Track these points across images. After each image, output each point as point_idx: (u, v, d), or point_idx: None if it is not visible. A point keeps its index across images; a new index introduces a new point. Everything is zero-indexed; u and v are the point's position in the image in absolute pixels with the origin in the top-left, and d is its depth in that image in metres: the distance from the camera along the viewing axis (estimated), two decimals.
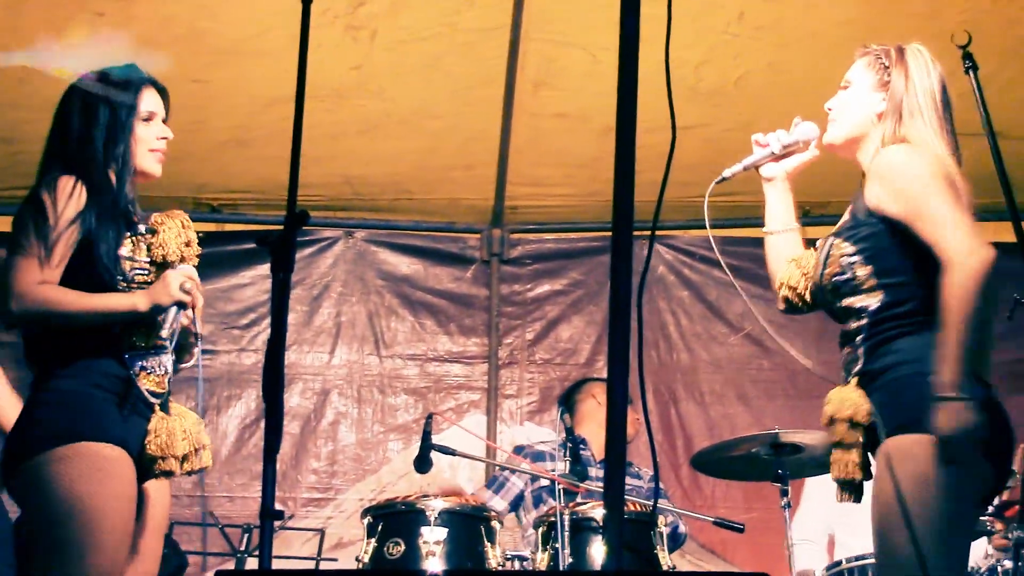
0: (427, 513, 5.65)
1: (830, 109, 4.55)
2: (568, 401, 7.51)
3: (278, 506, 3.78)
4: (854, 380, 4.29)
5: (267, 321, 7.38)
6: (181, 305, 4.49)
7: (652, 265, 8.45)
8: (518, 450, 7.43)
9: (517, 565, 6.09)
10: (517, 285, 8.76)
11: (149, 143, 4.68)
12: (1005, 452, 4.24)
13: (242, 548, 6.98)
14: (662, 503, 6.95)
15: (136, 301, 4.41)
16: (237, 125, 7.41)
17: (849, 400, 4.24)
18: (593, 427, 7.32)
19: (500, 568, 5.86)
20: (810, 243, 4.61)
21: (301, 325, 8.36)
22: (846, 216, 4.45)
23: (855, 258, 4.29)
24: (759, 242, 4.78)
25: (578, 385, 7.69)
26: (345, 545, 7.66)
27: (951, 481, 4.07)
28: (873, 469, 4.23)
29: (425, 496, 5.79)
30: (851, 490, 4.35)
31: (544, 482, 6.90)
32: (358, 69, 7.01)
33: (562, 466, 6.32)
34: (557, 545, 5.73)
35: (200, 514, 7.59)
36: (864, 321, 4.27)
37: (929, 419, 4.00)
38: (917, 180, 4.21)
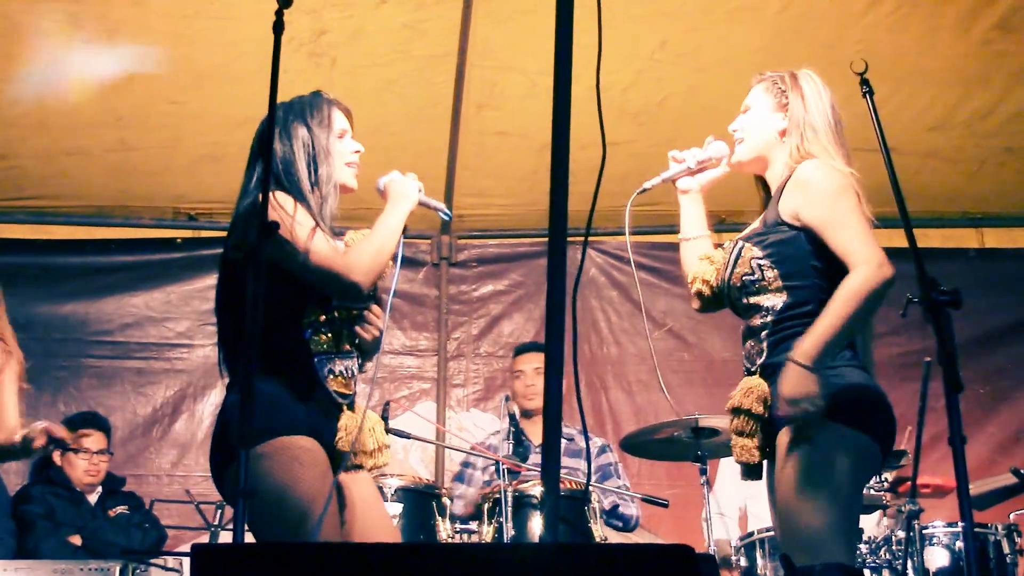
0: (384, 490, 5.67)
1: (735, 131, 4.60)
2: None
3: (251, 486, 3.78)
4: (758, 372, 4.33)
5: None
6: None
7: (585, 268, 8.47)
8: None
9: (465, 537, 6.09)
10: (463, 286, 8.76)
11: (346, 158, 4.61)
12: (885, 423, 4.28)
13: (215, 523, 6.96)
14: (612, 482, 7.01)
15: (399, 209, 4.51)
16: (212, 142, 7.39)
17: (752, 390, 4.29)
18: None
19: (449, 539, 5.88)
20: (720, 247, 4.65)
21: None
22: (756, 224, 4.49)
23: (764, 261, 4.33)
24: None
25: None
26: None
27: (849, 461, 4.13)
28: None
29: (382, 475, 5.79)
30: (752, 472, 4.39)
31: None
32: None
33: (506, 448, 6.35)
34: (501, 519, 5.74)
35: (180, 492, 7.55)
36: (769, 318, 4.32)
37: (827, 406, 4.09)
38: (833, 194, 4.27)
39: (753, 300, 4.37)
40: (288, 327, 4.37)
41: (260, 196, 4.06)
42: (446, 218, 4.79)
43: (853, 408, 4.16)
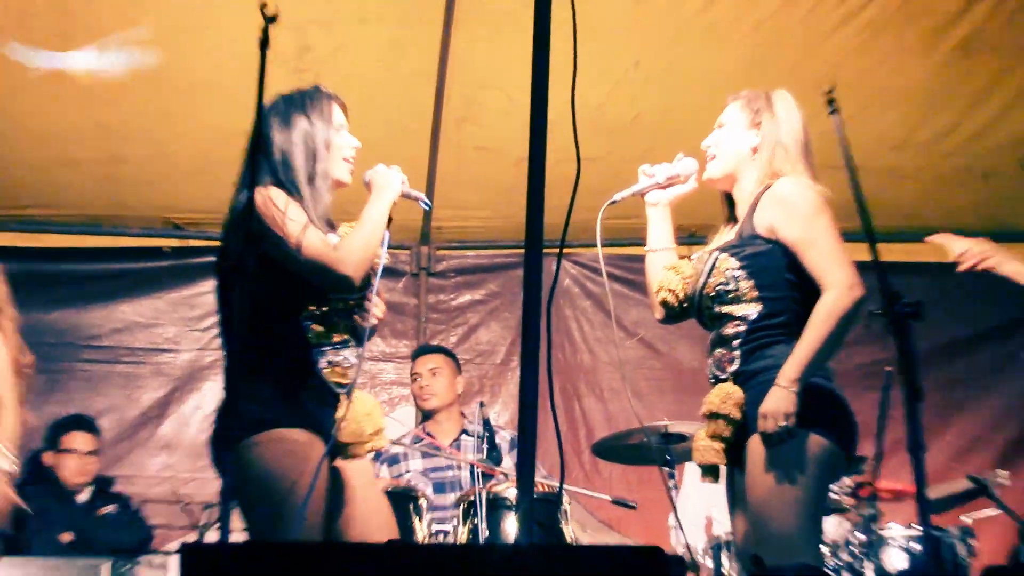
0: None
1: (708, 147, 4.62)
2: None
3: None
4: (730, 379, 4.34)
5: None
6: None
7: (559, 278, 8.48)
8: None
9: (441, 538, 6.09)
10: (442, 295, 8.76)
11: (343, 152, 4.61)
12: (846, 427, 4.32)
13: (202, 522, 6.97)
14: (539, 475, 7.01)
15: (383, 199, 4.54)
16: (199, 155, 7.37)
17: (729, 396, 4.31)
18: None
19: (425, 539, 5.87)
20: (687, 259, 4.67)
21: None
22: (731, 236, 4.51)
23: (739, 272, 4.36)
24: None
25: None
26: None
27: (815, 467, 4.15)
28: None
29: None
30: (711, 473, 4.42)
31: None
32: None
33: (481, 452, 6.35)
34: (476, 520, 5.74)
35: (168, 492, 7.55)
36: (743, 327, 4.35)
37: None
38: (810, 213, 4.33)
39: (726, 309, 4.40)
40: (286, 320, 4.37)
41: (247, 201, 4.05)
42: (426, 207, 4.79)
43: (819, 414, 4.19)
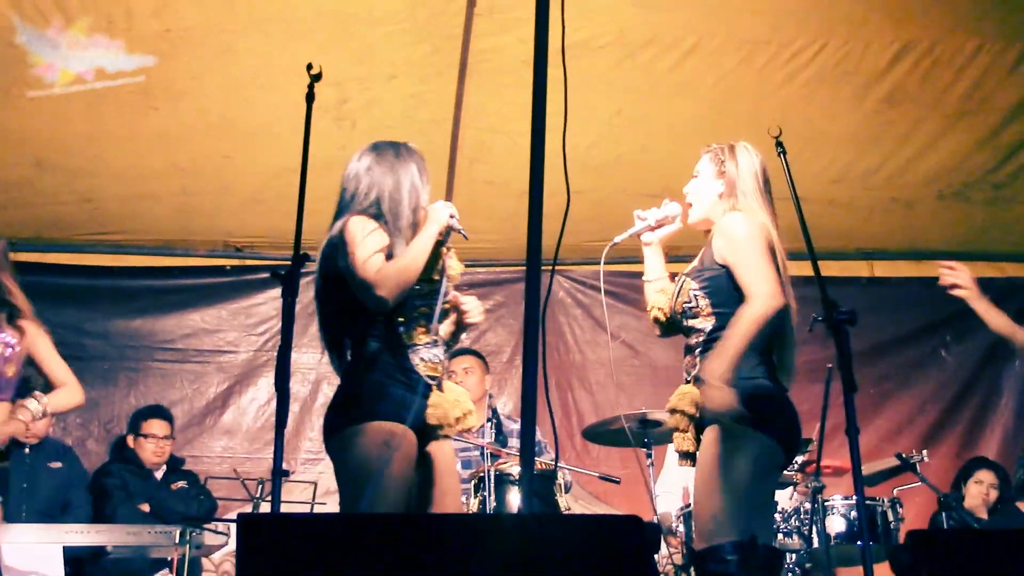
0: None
1: (687, 194, 4.67)
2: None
3: (284, 466, 3.77)
4: (692, 381, 4.38)
5: (277, 329, 7.32)
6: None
7: (554, 291, 8.47)
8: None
9: None
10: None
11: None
12: (787, 426, 4.31)
13: (257, 495, 6.97)
14: (548, 456, 6.98)
15: (430, 230, 4.42)
16: (255, 189, 7.37)
17: (685, 395, 4.36)
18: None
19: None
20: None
21: (300, 333, 8.22)
22: (696, 262, 4.53)
23: (699, 292, 4.41)
24: (635, 275, 4.89)
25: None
26: (332, 493, 7.56)
27: (745, 454, 4.17)
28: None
29: None
30: (688, 457, 4.42)
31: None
32: (343, 149, 6.89)
33: (489, 436, 6.34)
34: (485, 494, 5.73)
35: (229, 470, 7.54)
36: (702, 338, 4.39)
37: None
38: (742, 239, 4.33)
39: (691, 323, 4.44)
40: (384, 325, 4.36)
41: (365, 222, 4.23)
42: (465, 237, 4.69)
43: (759, 413, 4.18)
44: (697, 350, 4.39)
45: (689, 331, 4.46)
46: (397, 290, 4.24)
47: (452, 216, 4.52)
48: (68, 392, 5.58)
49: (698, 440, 4.34)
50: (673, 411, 4.37)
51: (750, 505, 4.20)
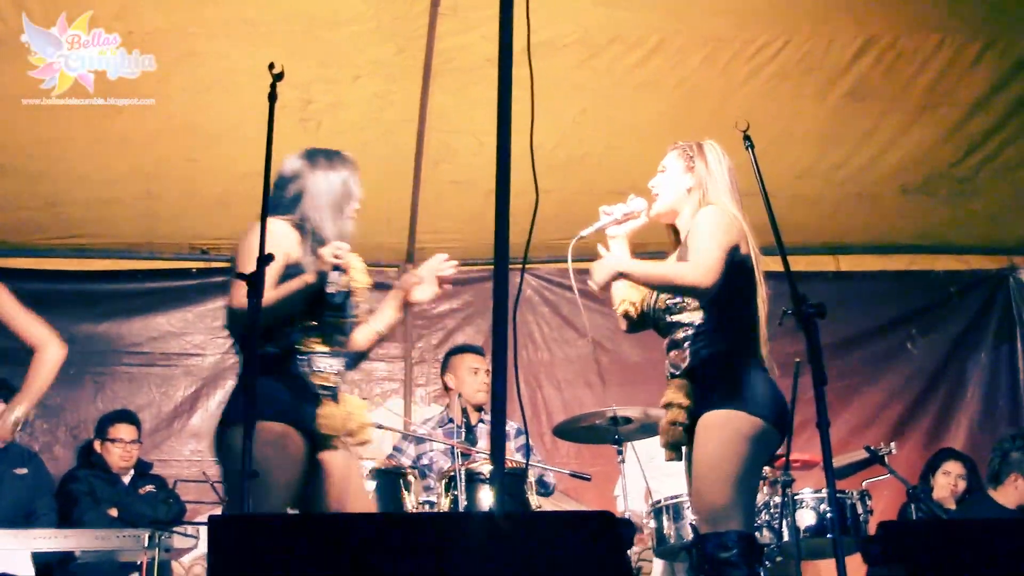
0: (363, 471, 5.63)
1: (653, 187, 4.71)
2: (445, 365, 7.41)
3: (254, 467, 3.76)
4: (683, 374, 4.43)
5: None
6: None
7: (522, 289, 8.48)
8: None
9: (427, 508, 6.07)
10: (425, 305, 8.70)
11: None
12: (783, 417, 4.41)
13: (226, 498, 6.93)
14: (534, 459, 6.98)
15: (306, 278, 4.31)
16: (221, 192, 7.34)
17: (680, 388, 4.41)
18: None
19: (415, 510, 5.86)
20: None
21: None
22: (675, 258, 4.55)
23: None
24: None
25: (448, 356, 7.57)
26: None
27: (748, 440, 4.21)
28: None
29: (360, 459, 5.77)
30: (675, 450, 4.45)
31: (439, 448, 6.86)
32: None
33: (461, 433, 6.34)
34: (456, 492, 5.73)
35: (198, 473, 7.51)
36: (691, 332, 4.45)
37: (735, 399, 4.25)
38: (703, 223, 4.42)
39: (676, 318, 4.48)
40: (280, 331, 4.36)
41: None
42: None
43: (760, 399, 4.29)
44: (686, 343, 4.44)
45: (673, 326, 4.50)
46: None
47: (337, 256, 4.30)
48: (47, 355, 5.47)
49: (689, 432, 4.37)
50: (669, 405, 4.42)
51: (752, 491, 4.38)
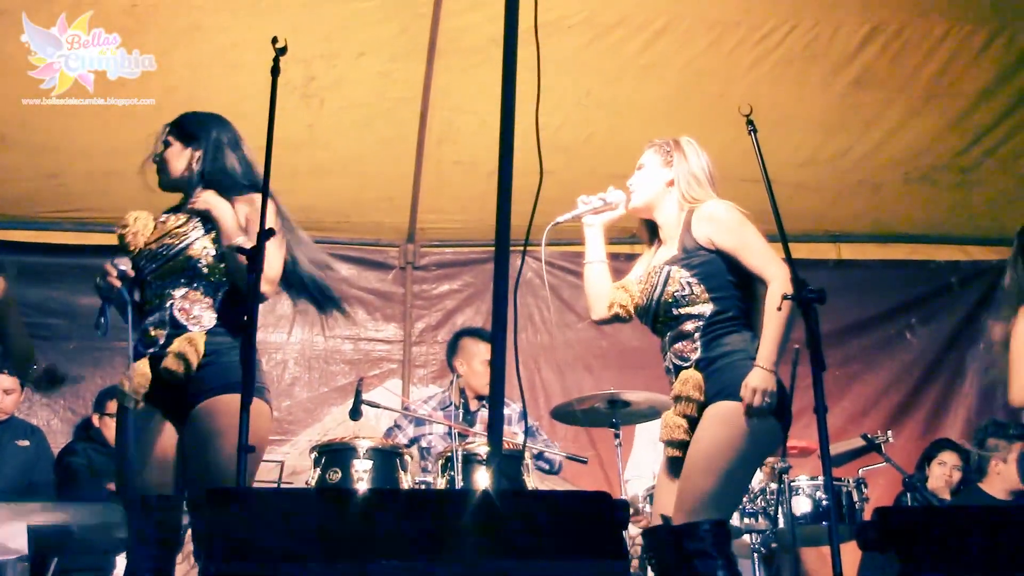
0: (358, 450, 5.64)
1: (631, 184, 4.76)
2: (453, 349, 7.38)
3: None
4: (692, 366, 4.41)
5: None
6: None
7: (523, 271, 8.48)
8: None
9: (423, 487, 6.08)
10: (425, 285, 8.72)
11: None
12: (788, 416, 4.41)
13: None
14: (540, 439, 7.00)
15: None
16: None
17: (689, 380, 4.38)
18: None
19: (412, 488, 5.87)
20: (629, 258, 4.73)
21: (267, 312, 8.26)
22: (675, 251, 4.53)
23: (692, 279, 4.44)
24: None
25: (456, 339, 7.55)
26: (298, 473, 7.58)
27: (753, 436, 4.22)
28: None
29: (356, 437, 5.79)
30: (678, 446, 4.43)
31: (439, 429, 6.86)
32: (310, 127, 6.97)
33: (458, 415, 6.35)
34: (452, 473, 5.74)
35: None
36: (701, 323, 4.43)
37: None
38: (737, 225, 4.44)
39: (685, 311, 4.46)
40: None
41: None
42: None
43: (776, 400, 4.27)
44: (696, 335, 4.42)
45: (681, 319, 4.47)
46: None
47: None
48: None
49: (693, 425, 4.38)
50: (678, 398, 4.39)
51: (741, 487, 4.44)
